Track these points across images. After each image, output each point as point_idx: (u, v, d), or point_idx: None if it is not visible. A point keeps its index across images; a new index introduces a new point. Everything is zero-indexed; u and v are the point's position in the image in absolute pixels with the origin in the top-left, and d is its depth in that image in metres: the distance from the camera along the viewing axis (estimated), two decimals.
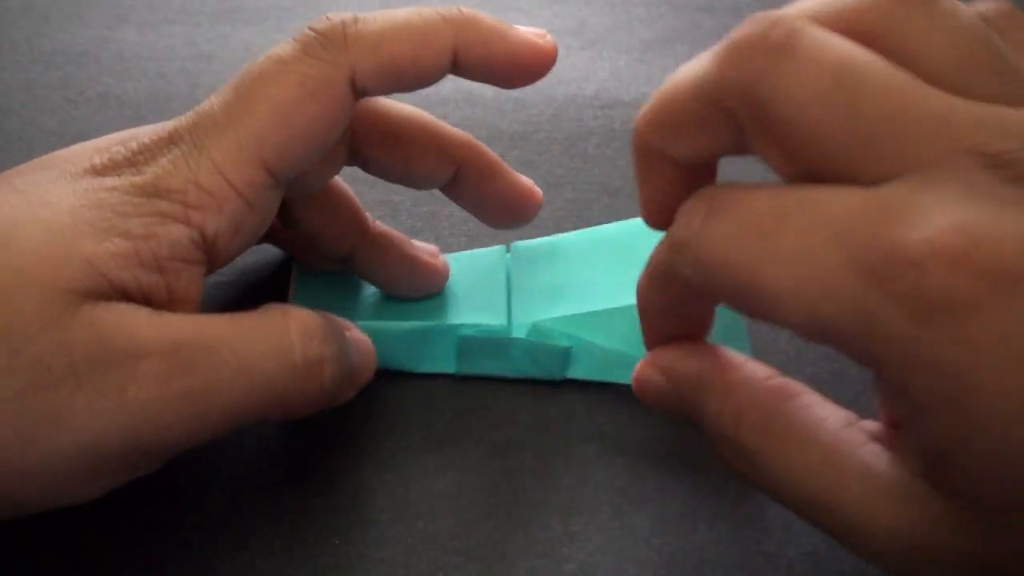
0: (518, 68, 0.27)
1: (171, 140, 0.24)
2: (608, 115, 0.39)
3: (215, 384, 0.23)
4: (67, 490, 0.22)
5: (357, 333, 0.27)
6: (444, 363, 0.29)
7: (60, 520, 0.26)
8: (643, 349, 0.25)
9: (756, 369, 0.24)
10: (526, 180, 0.30)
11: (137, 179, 0.24)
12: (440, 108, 0.39)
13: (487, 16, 0.27)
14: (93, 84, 0.40)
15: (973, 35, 0.21)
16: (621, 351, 0.28)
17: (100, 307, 0.22)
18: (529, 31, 0.28)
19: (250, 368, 0.23)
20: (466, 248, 0.33)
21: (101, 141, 0.25)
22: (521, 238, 0.33)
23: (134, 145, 0.25)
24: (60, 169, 0.24)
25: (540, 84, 0.40)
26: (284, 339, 0.24)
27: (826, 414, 0.22)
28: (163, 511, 0.26)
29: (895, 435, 0.21)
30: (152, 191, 0.24)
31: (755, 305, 0.21)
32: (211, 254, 0.24)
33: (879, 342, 0.19)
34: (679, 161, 0.23)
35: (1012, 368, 0.19)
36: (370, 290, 0.31)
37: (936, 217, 0.19)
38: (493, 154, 0.29)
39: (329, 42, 0.25)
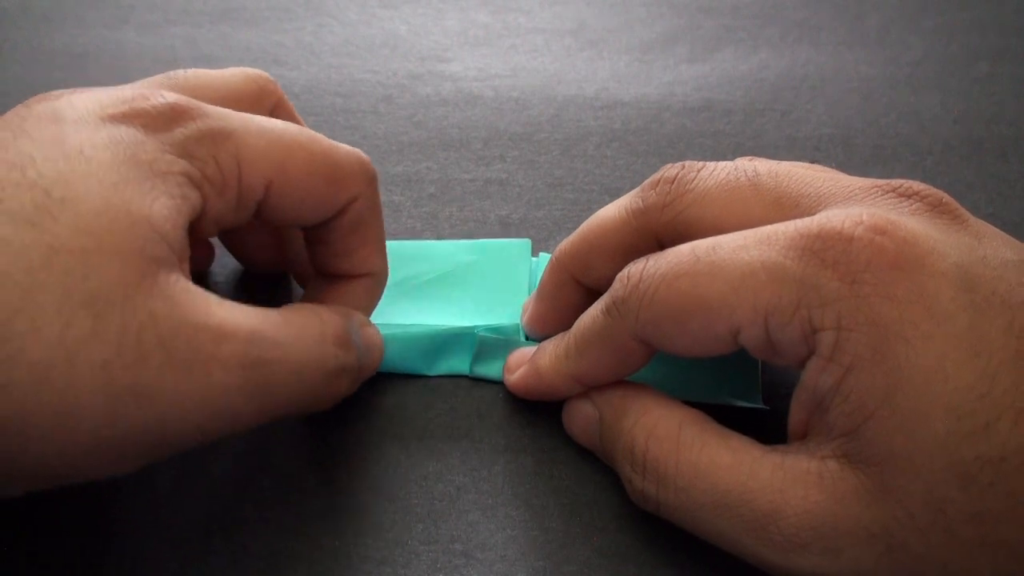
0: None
1: (198, 110, 0.23)
2: (608, 115, 0.39)
3: (279, 380, 0.22)
4: (118, 466, 0.21)
5: (370, 330, 0.27)
6: (459, 364, 0.29)
7: (59, 520, 0.26)
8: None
9: (671, 400, 0.26)
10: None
11: (165, 136, 0.23)
12: (440, 109, 0.39)
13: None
14: (93, 85, 0.40)
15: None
16: None
17: (172, 279, 0.21)
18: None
19: (300, 371, 0.23)
20: None
21: (99, 92, 0.24)
22: (532, 238, 0.33)
23: (156, 100, 0.23)
24: (71, 116, 0.23)
25: (540, 85, 0.40)
26: (324, 348, 0.24)
27: (735, 433, 0.24)
28: (164, 512, 0.26)
29: (800, 442, 0.23)
30: (181, 151, 0.23)
31: (698, 324, 0.23)
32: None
33: (816, 308, 0.21)
34: (588, 287, 0.27)
35: (933, 323, 0.20)
36: (387, 319, 0.30)
37: (854, 212, 0.22)
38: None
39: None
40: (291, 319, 0.23)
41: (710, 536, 0.23)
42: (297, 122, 0.29)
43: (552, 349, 0.27)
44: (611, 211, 0.27)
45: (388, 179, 0.36)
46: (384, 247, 0.28)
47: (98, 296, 0.20)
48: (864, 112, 0.39)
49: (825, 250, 0.21)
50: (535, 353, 0.28)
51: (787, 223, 0.22)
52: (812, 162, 0.37)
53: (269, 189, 0.24)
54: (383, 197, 0.35)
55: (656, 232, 0.26)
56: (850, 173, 0.31)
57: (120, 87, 0.25)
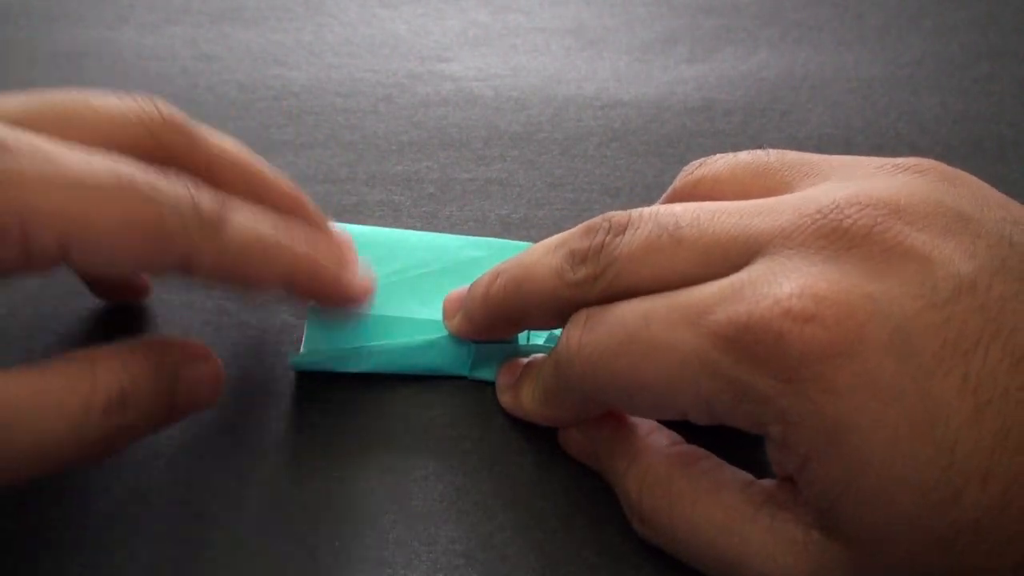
0: (336, 303, 0.28)
1: None
2: (608, 115, 0.39)
3: (9, 457, 0.21)
4: None
5: (198, 370, 0.25)
6: (459, 367, 0.29)
7: (58, 522, 0.26)
8: None
9: (661, 436, 0.25)
10: (358, 288, 0.28)
11: None
12: (440, 108, 0.39)
13: (325, 254, 0.26)
14: (93, 84, 0.40)
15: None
16: None
17: None
18: (358, 278, 0.28)
19: (42, 444, 0.21)
20: None
21: None
22: (533, 238, 0.33)
23: None
24: None
25: (540, 84, 0.40)
26: (82, 416, 0.22)
27: (726, 477, 0.24)
28: (163, 512, 0.26)
29: (791, 490, 0.22)
30: None
31: (646, 402, 0.23)
32: None
33: (757, 405, 0.21)
34: (523, 326, 0.28)
35: (881, 405, 0.19)
36: (384, 309, 0.30)
37: (783, 285, 0.20)
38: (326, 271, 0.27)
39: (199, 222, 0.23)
40: (44, 385, 0.21)
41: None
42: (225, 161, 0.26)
43: (529, 391, 0.27)
44: (543, 270, 0.25)
45: (388, 179, 0.36)
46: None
47: None
48: (864, 112, 0.39)
49: (756, 344, 0.20)
50: (518, 382, 0.28)
51: (715, 293, 0.21)
52: None
53: (67, 247, 0.21)
54: (383, 197, 0.35)
55: (589, 303, 0.24)
56: None
57: None
